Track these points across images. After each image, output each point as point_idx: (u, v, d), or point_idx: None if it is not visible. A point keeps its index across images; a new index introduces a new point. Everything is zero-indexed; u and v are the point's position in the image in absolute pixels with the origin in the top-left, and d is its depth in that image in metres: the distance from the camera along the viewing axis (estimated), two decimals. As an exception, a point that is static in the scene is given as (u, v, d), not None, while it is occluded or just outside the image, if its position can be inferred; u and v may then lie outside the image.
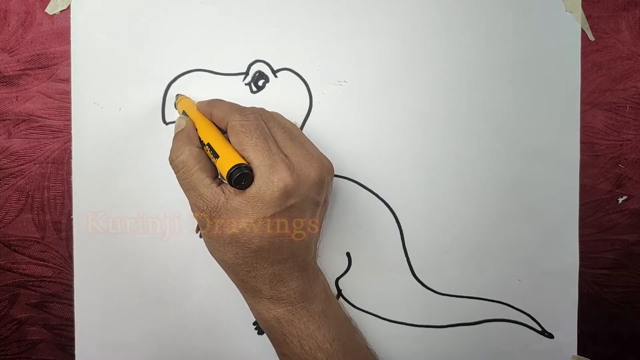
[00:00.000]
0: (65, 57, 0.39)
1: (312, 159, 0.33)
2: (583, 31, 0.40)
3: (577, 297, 0.42)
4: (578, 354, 0.42)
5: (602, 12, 0.40)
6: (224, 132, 0.35)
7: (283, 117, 0.37)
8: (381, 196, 0.40)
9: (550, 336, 0.42)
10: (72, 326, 0.41)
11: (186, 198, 0.34)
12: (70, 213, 0.40)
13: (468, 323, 0.42)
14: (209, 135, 0.34)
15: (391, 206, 0.41)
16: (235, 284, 0.36)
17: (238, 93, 0.39)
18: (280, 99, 0.40)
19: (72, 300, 0.41)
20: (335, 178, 0.39)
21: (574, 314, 0.42)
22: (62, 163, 0.40)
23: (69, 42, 0.39)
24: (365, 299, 0.41)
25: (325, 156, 0.36)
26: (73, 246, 0.40)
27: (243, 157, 0.32)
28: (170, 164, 0.34)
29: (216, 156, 0.33)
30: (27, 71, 0.39)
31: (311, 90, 0.40)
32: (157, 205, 0.40)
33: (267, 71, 0.39)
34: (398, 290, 0.41)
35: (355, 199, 0.40)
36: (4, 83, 0.39)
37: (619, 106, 0.41)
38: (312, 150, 0.35)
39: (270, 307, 0.35)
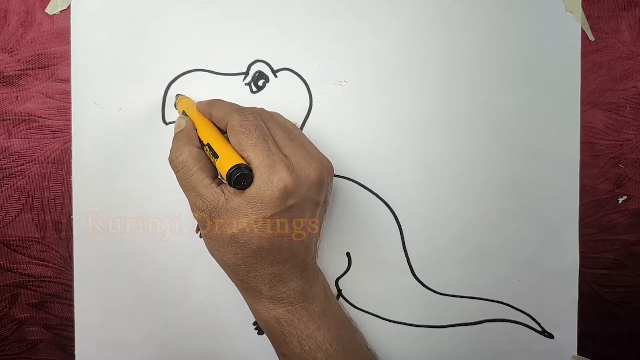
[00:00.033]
0: (65, 57, 0.39)
1: (312, 159, 0.33)
2: (583, 31, 0.40)
3: (577, 297, 0.42)
4: (578, 354, 0.42)
5: (602, 12, 0.40)
6: (223, 132, 0.35)
7: (283, 117, 0.37)
8: (381, 196, 0.40)
9: (550, 336, 0.42)
10: (72, 326, 0.41)
11: (186, 198, 0.34)
12: (70, 213, 0.40)
13: (468, 323, 0.42)
14: (209, 135, 0.34)
15: (391, 206, 0.41)
16: (235, 284, 0.36)
17: (238, 93, 0.39)
18: (280, 99, 0.40)
19: (72, 300, 0.41)
20: (335, 178, 0.39)
21: (574, 314, 0.42)
22: (62, 163, 0.40)
23: (69, 42, 0.39)
24: (365, 299, 0.41)
25: (325, 156, 0.36)
26: (73, 246, 0.40)
27: (242, 158, 0.32)
28: (170, 164, 0.34)
29: (216, 156, 0.33)
30: (27, 71, 0.39)
31: (311, 90, 0.40)
32: (157, 205, 0.40)
33: (267, 71, 0.39)
34: (398, 290, 0.41)
35: (355, 199, 0.40)
36: (4, 83, 0.39)
37: (619, 106, 0.41)
38: (311, 150, 0.35)
39: (269, 307, 0.35)
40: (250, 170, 0.32)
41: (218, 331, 0.41)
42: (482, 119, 0.40)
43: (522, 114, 0.40)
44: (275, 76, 0.40)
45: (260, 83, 0.40)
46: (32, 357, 0.42)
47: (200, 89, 0.39)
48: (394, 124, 0.40)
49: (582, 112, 0.40)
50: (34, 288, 0.41)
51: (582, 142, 0.41)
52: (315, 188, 0.33)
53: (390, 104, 0.40)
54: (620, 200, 0.41)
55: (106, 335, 0.41)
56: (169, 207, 0.40)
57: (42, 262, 0.41)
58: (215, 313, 0.41)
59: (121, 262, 0.40)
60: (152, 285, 0.41)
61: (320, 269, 0.39)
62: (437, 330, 0.42)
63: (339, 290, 0.41)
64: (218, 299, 0.41)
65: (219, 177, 0.34)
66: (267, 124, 0.34)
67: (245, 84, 0.40)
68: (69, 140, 0.39)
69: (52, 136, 0.40)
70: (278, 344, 0.36)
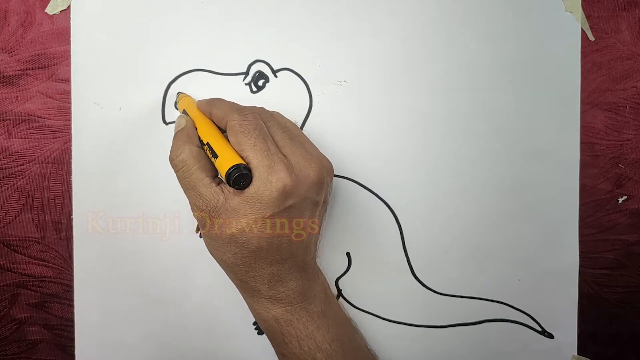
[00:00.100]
0: (65, 57, 0.39)
1: (312, 159, 0.33)
2: (583, 31, 0.40)
3: (577, 297, 0.42)
4: (578, 354, 0.42)
5: (602, 12, 0.40)
6: (223, 131, 0.35)
7: (283, 116, 0.37)
8: (381, 196, 0.40)
9: (550, 336, 0.42)
10: (72, 326, 0.41)
11: (186, 198, 0.34)
12: (70, 213, 0.40)
13: (468, 323, 0.42)
14: (209, 134, 0.34)
15: (391, 206, 0.41)
16: (235, 284, 0.36)
17: (238, 93, 0.39)
18: (280, 99, 0.40)
19: (72, 300, 0.41)
20: (335, 178, 0.39)
21: (574, 314, 0.42)
22: (62, 163, 0.40)
23: (69, 42, 0.39)
24: (365, 299, 0.41)
25: (325, 156, 0.36)
26: (73, 246, 0.40)
27: (242, 157, 0.32)
28: (170, 163, 0.34)
29: (215, 156, 0.33)
30: (27, 71, 0.39)
31: (311, 90, 0.40)
32: (157, 205, 0.40)
33: (267, 71, 0.39)
34: (398, 290, 0.41)
35: (355, 199, 0.40)
36: (4, 83, 0.39)
37: (619, 106, 0.41)
38: (311, 150, 0.35)
39: (269, 307, 0.35)
40: (249, 170, 0.32)
41: (218, 331, 0.41)
42: (482, 119, 0.40)
43: (522, 114, 0.40)
44: (275, 76, 0.40)
45: (260, 83, 0.40)
46: (32, 357, 0.42)
47: (200, 89, 0.39)
48: (394, 124, 0.40)
49: (582, 112, 0.40)
50: (34, 288, 0.41)
51: (582, 142, 0.41)
52: (315, 188, 0.33)
53: (390, 104, 0.40)
54: (620, 200, 0.41)
55: (106, 335, 0.41)
56: (169, 207, 0.40)
57: (42, 262, 0.41)
58: (215, 313, 0.41)
59: (121, 262, 0.40)
60: (152, 285, 0.41)
61: (320, 269, 0.39)
62: (437, 330, 0.42)
63: (339, 290, 0.41)
64: (218, 299, 0.41)
65: (219, 176, 0.34)
66: (267, 123, 0.34)
67: (245, 84, 0.40)
68: (69, 140, 0.39)
69: (52, 136, 0.40)
70: (277, 344, 0.36)
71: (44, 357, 0.42)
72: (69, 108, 0.39)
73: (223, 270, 0.35)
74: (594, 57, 0.40)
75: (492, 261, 0.41)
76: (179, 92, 0.39)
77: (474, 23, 0.40)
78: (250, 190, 0.31)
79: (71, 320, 0.41)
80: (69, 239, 0.40)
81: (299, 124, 0.40)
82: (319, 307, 0.36)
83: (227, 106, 0.35)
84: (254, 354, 0.41)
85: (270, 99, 0.40)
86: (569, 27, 0.40)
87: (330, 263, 0.41)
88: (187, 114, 0.37)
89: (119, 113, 0.39)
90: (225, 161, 0.32)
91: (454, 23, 0.40)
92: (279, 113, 0.37)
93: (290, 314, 0.35)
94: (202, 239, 0.39)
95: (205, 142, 0.34)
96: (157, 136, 0.39)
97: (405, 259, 0.41)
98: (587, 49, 0.40)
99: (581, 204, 0.41)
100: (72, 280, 0.40)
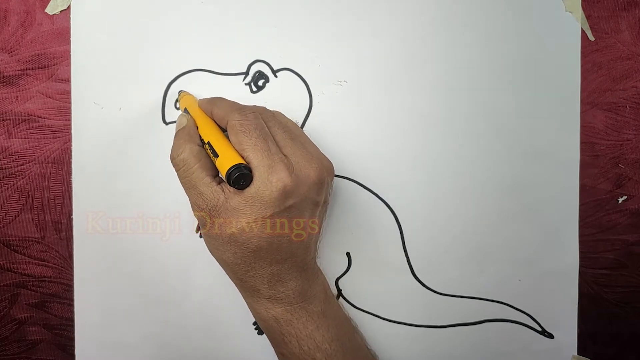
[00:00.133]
0: (65, 57, 0.39)
1: (312, 159, 0.33)
2: (583, 31, 0.40)
3: (577, 297, 0.41)
4: (578, 354, 0.42)
5: (602, 12, 0.40)
6: (225, 130, 0.35)
7: (284, 116, 0.37)
8: (381, 196, 0.40)
9: (550, 336, 0.42)
10: (72, 326, 0.41)
11: (186, 198, 0.34)
12: (70, 213, 0.40)
13: (468, 323, 0.42)
14: (209, 134, 0.34)
15: (391, 206, 0.41)
16: (235, 283, 0.36)
17: (238, 93, 0.39)
18: (280, 99, 0.40)
19: (72, 300, 0.41)
20: (335, 178, 0.39)
21: (574, 314, 0.42)
22: (62, 163, 0.40)
23: (69, 42, 0.39)
24: (365, 299, 0.41)
25: (325, 156, 0.36)
26: (73, 246, 0.40)
27: (242, 157, 0.32)
28: (171, 161, 0.34)
29: (216, 155, 0.33)
30: (27, 71, 0.39)
31: (311, 90, 0.40)
32: (157, 205, 0.40)
33: (267, 71, 0.39)
34: (398, 290, 0.41)
35: (355, 199, 0.40)
36: (4, 83, 0.39)
37: (619, 106, 0.41)
38: (312, 150, 0.35)
39: (268, 306, 0.35)
40: (250, 170, 0.32)
41: (218, 331, 0.41)
42: (482, 119, 0.40)
43: (522, 114, 0.40)
44: (275, 76, 0.40)
45: (260, 83, 0.40)
46: (32, 357, 0.42)
47: (200, 89, 0.39)
48: (394, 124, 0.40)
49: (582, 112, 0.40)
50: (34, 288, 0.41)
51: (582, 142, 0.41)
52: (315, 188, 0.33)
53: (390, 104, 0.40)
54: (620, 200, 0.41)
55: (106, 335, 0.41)
56: (169, 207, 0.40)
57: (42, 262, 0.41)
58: (215, 313, 0.41)
59: (121, 262, 0.40)
60: (152, 285, 0.41)
61: (320, 269, 0.39)
62: (437, 330, 0.42)
63: (339, 290, 0.41)
64: (218, 299, 0.41)
65: (219, 175, 0.34)
66: (267, 123, 0.34)
67: (245, 84, 0.40)
68: (69, 140, 0.39)
69: (52, 136, 0.40)
70: (277, 344, 0.36)
71: (44, 357, 0.42)
72: (69, 108, 0.39)
73: (223, 270, 0.35)
74: (594, 57, 0.40)
75: (492, 261, 0.41)
76: (180, 91, 0.39)
77: (474, 23, 0.40)
78: (251, 189, 0.31)
79: (71, 320, 0.41)
80: (69, 239, 0.40)
81: (299, 124, 0.40)
82: (319, 307, 0.36)
83: (228, 105, 0.35)
84: (254, 354, 0.41)
85: (270, 99, 0.40)
86: (569, 27, 0.40)
87: (330, 263, 0.41)
88: (189, 113, 0.37)
89: (119, 113, 0.39)
90: (226, 160, 0.32)
91: (454, 23, 0.40)
92: (280, 113, 0.37)
93: (290, 313, 0.35)
94: (202, 239, 0.39)
95: (206, 141, 0.34)
96: (157, 136, 0.39)
97: (405, 259, 0.41)
98: (587, 49, 0.40)
99: (581, 204, 0.41)
100: (72, 280, 0.40)
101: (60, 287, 0.41)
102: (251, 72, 0.39)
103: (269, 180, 0.31)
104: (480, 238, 0.41)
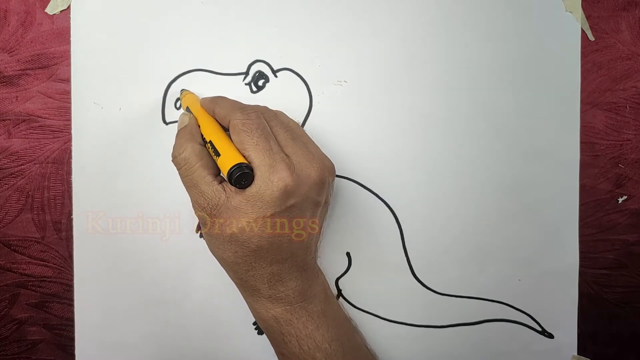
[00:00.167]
0: (65, 57, 0.39)
1: (314, 159, 0.33)
2: (583, 31, 0.40)
3: (577, 297, 0.42)
4: (578, 354, 0.42)
5: (602, 12, 0.40)
6: (227, 129, 0.35)
7: (286, 115, 0.37)
8: (381, 196, 0.40)
9: (550, 336, 0.42)
10: (72, 326, 0.41)
11: (186, 198, 0.34)
12: (70, 213, 0.40)
13: (468, 323, 0.42)
14: (211, 133, 0.34)
15: (391, 206, 0.41)
16: (235, 283, 0.36)
17: (238, 93, 0.39)
18: (280, 98, 0.40)
19: (72, 300, 0.41)
20: (335, 178, 0.39)
21: (574, 314, 0.42)
22: (62, 163, 0.40)
23: (69, 42, 0.39)
24: (365, 299, 0.41)
25: (327, 156, 0.36)
26: (73, 246, 0.40)
27: (244, 156, 0.32)
28: (173, 160, 0.34)
29: (217, 154, 0.33)
30: (27, 71, 0.39)
31: (311, 90, 0.40)
32: (157, 205, 0.40)
33: (267, 71, 0.39)
34: (398, 290, 0.41)
35: (356, 199, 0.40)
36: (4, 83, 0.39)
37: (619, 106, 0.41)
38: (313, 150, 0.35)
39: (268, 306, 0.35)
40: (251, 170, 0.32)
41: (218, 331, 0.41)
42: (482, 119, 0.40)
43: (522, 114, 0.40)
44: (275, 76, 0.40)
45: (260, 83, 0.40)
46: (32, 357, 0.42)
47: (201, 89, 0.39)
48: (394, 124, 0.40)
49: (582, 112, 0.41)
50: (34, 288, 0.41)
51: (582, 142, 0.41)
52: (316, 188, 0.33)
53: (390, 104, 0.40)
54: (620, 200, 0.41)
55: (106, 335, 0.41)
56: (169, 207, 0.40)
57: (42, 262, 0.41)
58: (215, 313, 0.41)
59: (121, 262, 0.40)
60: (152, 285, 0.41)
61: (320, 269, 0.39)
62: (437, 330, 0.42)
63: (339, 290, 0.41)
64: (218, 299, 0.41)
65: (220, 175, 0.34)
66: (269, 122, 0.34)
67: (246, 84, 0.40)
68: (69, 140, 0.39)
69: (52, 136, 0.40)
70: (277, 344, 0.36)
71: (44, 357, 0.42)
72: (69, 108, 0.39)
73: (223, 270, 0.35)
74: (594, 57, 0.40)
75: (492, 261, 0.41)
76: (182, 89, 0.39)
77: (474, 23, 0.40)
78: (252, 189, 0.31)
79: (71, 320, 0.41)
80: (69, 239, 0.40)
81: (299, 124, 0.40)
82: (319, 307, 0.36)
83: (230, 105, 0.35)
84: (254, 354, 0.41)
85: (270, 99, 0.40)
86: (569, 27, 0.40)
87: (330, 263, 0.41)
88: (191, 112, 0.37)
89: (119, 113, 0.39)
90: (228, 160, 0.32)
91: (454, 23, 0.40)
92: (282, 112, 0.37)
93: (290, 313, 0.35)
94: (202, 239, 0.39)
95: (207, 140, 0.34)
96: (157, 136, 0.39)
97: (405, 259, 0.41)
98: (587, 49, 0.40)
99: (581, 204, 0.41)
100: (72, 280, 0.40)
101: (60, 287, 0.41)
102: (251, 72, 0.39)
103: (270, 179, 0.31)
104: (480, 238, 0.41)
